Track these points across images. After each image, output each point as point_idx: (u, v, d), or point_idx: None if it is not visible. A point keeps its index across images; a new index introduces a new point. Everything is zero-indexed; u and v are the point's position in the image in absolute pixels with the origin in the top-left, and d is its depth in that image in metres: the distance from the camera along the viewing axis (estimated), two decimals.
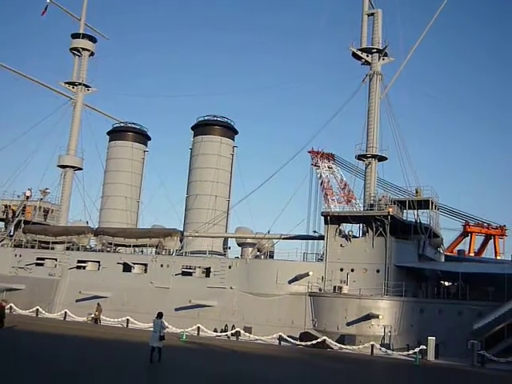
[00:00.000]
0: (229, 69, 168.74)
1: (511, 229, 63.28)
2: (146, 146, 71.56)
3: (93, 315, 47.47)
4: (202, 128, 63.76)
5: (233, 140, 65.01)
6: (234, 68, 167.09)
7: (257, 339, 41.31)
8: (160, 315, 25.29)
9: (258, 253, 52.74)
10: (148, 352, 24.68)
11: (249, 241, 53.63)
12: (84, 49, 69.16)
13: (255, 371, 27.13)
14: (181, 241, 55.55)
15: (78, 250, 56.98)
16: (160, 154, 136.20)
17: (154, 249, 55.17)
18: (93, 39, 70.38)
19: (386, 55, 51.57)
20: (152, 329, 25.44)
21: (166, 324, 26.21)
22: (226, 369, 26.64)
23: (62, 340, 35.25)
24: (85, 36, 69.59)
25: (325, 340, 39.44)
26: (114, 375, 22.42)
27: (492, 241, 63.53)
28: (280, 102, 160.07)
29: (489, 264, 48.31)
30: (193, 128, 64.85)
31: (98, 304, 48.28)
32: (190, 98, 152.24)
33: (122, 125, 71.45)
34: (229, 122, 64.91)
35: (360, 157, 50.91)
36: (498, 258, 59.55)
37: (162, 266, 50.98)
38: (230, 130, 64.71)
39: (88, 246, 59.53)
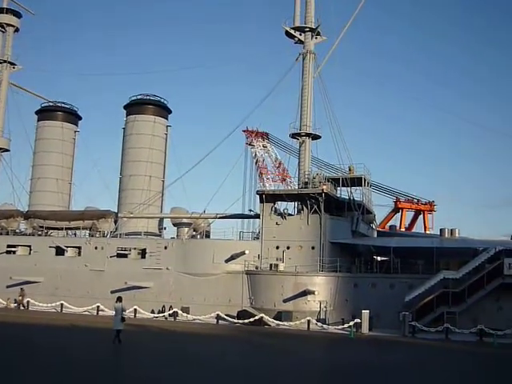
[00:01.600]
0: (163, 48, 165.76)
1: (439, 204, 65.61)
2: (77, 125, 69.61)
3: (17, 300, 46.42)
4: (135, 107, 62.60)
5: (166, 119, 64.19)
6: (168, 47, 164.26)
7: (194, 319, 41.36)
8: (120, 299, 26.38)
9: (194, 233, 52.58)
10: (113, 335, 25.40)
11: (184, 221, 53.38)
12: (8, 24, 65.95)
13: (198, 348, 27.26)
14: (115, 222, 54.70)
15: (7, 234, 55.33)
16: (92, 134, 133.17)
17: (88, 231, 54.11)
18: (17, 14, 67.22)
19: (318, 34, 51.83)
20: (114, 313, 26.45)
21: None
22: (174, 347, 26.88)
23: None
24: (8, 11, 66.46)
25: (262, 317, 39.88)
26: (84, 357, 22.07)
27: (421, 216, 65.59)
28: (215, 81, 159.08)
29: (419, 238, 49.93)
30: (125, 107, 63.57)
31: (22, 289, 47.29)
32: (122, 76, 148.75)
33: (50, 104, 69.15)
34: (162, 101, 64.01)
35: (294, 135, 51.20)
36: (427, 232, 61.57)
37: (96, 248, 50.13)
38: (163, 110, 63.84)
39: (18, 230, 57.78)
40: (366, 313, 37.48)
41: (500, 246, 40.16)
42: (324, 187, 44.81)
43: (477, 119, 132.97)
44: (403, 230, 62.27)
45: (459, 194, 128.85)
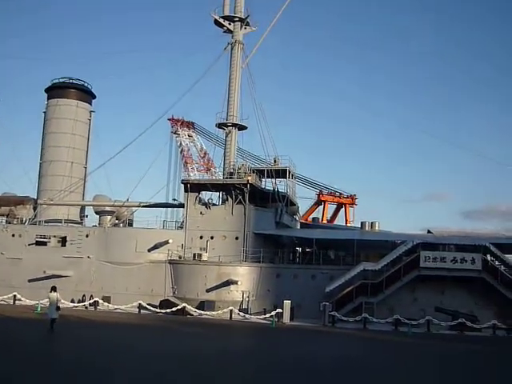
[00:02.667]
0: (87, 31, 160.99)
1: (361, 198, 67.31)
2: None
3: None
4: (56, 91, 60.57)
5: (90, 104, 62.53)
6: (93, 31, 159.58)
7: (116, 308, 40.76)
8: (54, 289, 27.17)
9: (117, 221, 51.80)
10: (48, 323, 26.39)
11: (107, 209, 52.45)
12: None
13: (118, 338, 27.06)
14: (34, 209, 53.05)
15: None
16: (11, 118, 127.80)
17: (5, 218, 52.16)
18: None
19: (248, 25, 51.90)
20: (48, 302, 27.46)
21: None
22: (96, 336, 26.84)
23: None
24: None
25: (185, 307, 39.78)
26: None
27: (343, 209, 67.15)
28: (142, 68, 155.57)
29: (340, 231, 51.13)
30: (47, 90, 61.48)
31: None
32: (43, 60, 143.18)
33: None
34: (85, 85, 62.29)
35: (220, 125, 51.21)
36: (349, 225, 63.16)
37: (13, 235, 48.45)
38: (86, 94, 62.07)
39: None
40: (287, 303, 38.13)
41: (417, 240, 41.80)
42: (249, 178, 45.10)
43: (399, 116, 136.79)
44: (325, 222, 63.59)
45: (380, 189, 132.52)
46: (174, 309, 39.73)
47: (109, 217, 51.05)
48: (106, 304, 41.26)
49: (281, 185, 48.30)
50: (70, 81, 61.54)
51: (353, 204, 67.10)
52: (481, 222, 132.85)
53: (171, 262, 44.46)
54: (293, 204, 50.46)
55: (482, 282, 39.72)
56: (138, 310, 39.97)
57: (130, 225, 51.24)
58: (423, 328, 36.21)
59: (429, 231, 47.83)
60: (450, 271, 39.72)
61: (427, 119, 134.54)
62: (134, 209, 52.73)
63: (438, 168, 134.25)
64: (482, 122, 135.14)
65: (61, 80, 61.23)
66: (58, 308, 26.56)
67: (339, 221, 65.77)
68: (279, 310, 37.89)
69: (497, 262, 41.26)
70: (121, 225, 50.88)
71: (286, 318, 37.83)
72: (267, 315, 38.19)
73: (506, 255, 41.53)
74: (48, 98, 61.04)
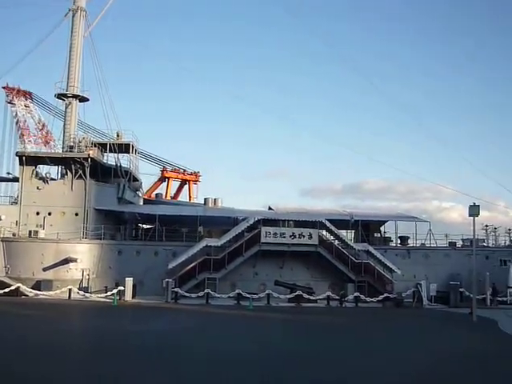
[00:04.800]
0: None
1: (204, 175, 67.72)
2: None
3: None
4: None
5: None
6: None
7: None
8: None
9: None
10: None
11: None
12: None
13: None
14: None
15: None
16: None
17: None
18: None
19: None
20: None
21: None
22: None
23: None
24: None
25: (19, 287, 37.70)
26: None
27: (187, 186, 67.26)
28: None
29: (184, 207, 51.13)
30: None
31: None
32: None
33: None
34: None
35: (60, 96, 48.77)
36: (192, 201, 63.37)
37: None
38: None
39: None
40: (129, 280, 37.63)
41: (258, 216, 43.03)
42: (90, 152, 43.73)
43: (246, 94, 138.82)
44: (169, 198, 63.25)
45: (223, 166, 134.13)
46: (6, 290, 37.46)
47: None
48: None
49: (124, 160, 47.32)
50: None
51: (196, 181, 67.34)
52: (318, 200, 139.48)
53: (4, 240, 41.71)
54: (136, 180, 49.62)
55: (318, 256, 41.88)
56: None
57: None
58: (263, 301, 37.46)
59: (270, 208, 49.37)
60: (290, 246, 41.41)
61: (269, 97, 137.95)
62: None
63: (278, 147, 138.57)
64: (323, 102, 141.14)
65: None
66: None
67: (183, 197, 65.72)
68: (121, 288, 37.26)
69: (331, 237, 43.72)
70: None
71: (128, 296, 37.33)
72: (108, 293, 37.42)
73: (340, 230, 44.12)
74: None
